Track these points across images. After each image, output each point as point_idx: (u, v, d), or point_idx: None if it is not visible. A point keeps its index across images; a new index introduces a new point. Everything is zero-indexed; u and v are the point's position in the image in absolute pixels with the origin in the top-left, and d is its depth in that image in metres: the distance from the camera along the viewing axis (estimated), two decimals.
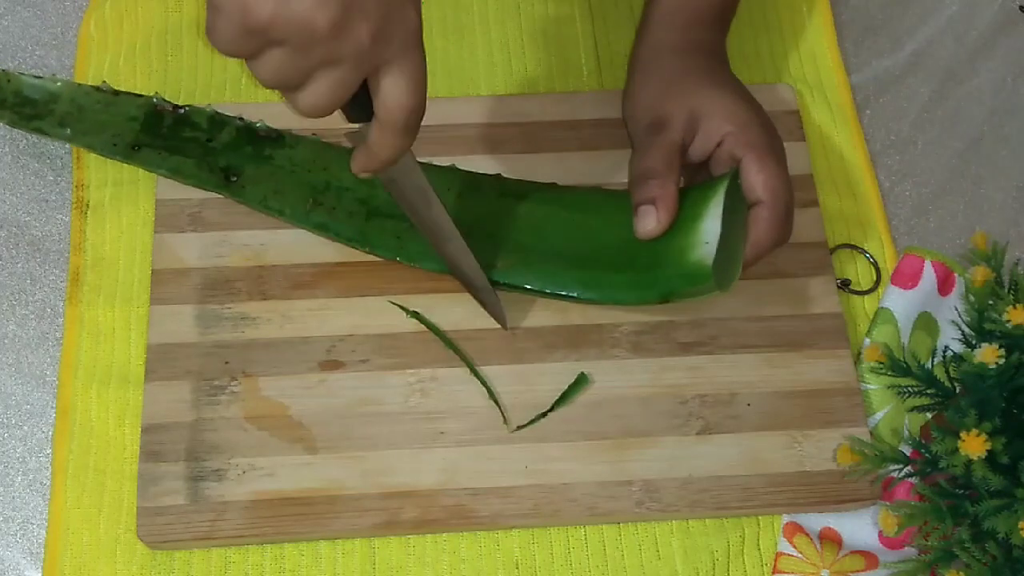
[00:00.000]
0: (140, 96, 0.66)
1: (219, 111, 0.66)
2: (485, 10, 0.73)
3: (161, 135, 0.65)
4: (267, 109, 0.67)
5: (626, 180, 0.61)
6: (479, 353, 0.61)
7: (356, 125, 0.50)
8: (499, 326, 0.62)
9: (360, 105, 0.48)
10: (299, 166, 0.64)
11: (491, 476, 0.58)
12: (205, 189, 0.64)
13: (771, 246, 0.58)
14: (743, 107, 0.59)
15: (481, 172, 0.65)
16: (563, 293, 0.60)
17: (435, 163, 0.64)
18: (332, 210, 0.63)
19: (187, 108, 0.65)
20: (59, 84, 0.65)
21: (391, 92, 0.47)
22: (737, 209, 0.57)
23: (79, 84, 0.66)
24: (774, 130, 0.59)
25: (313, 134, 0.65)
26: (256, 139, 0.65)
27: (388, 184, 0.56)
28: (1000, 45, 0.75)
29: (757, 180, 0.56)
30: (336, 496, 0.58)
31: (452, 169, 0.65)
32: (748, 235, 0.57)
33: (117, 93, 0.65)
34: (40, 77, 0.65)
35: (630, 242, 0.58)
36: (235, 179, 0.64)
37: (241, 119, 0.65)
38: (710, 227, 0.55)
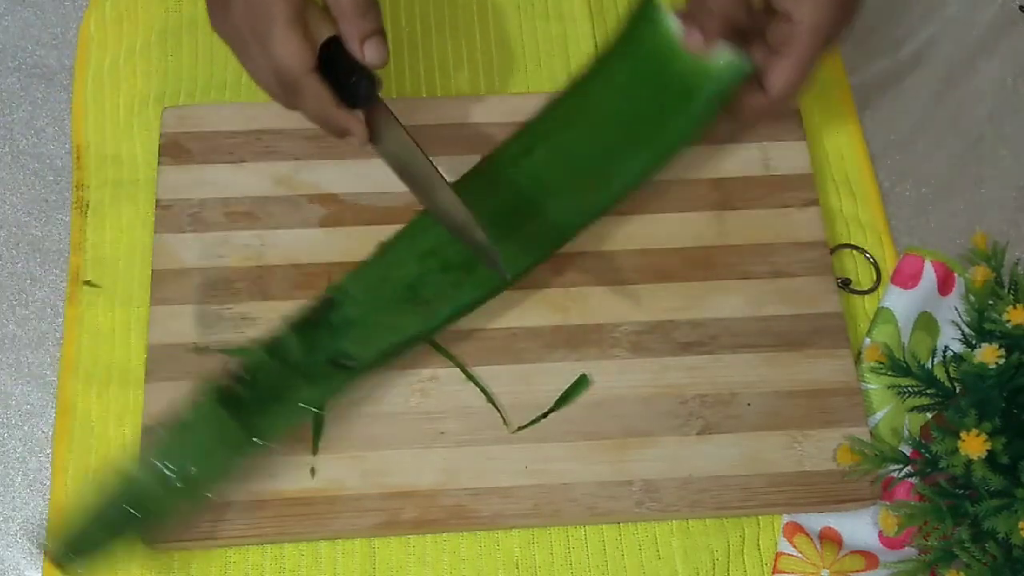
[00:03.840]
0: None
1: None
2: (485, 10, 0.73)
3: (241, 404, 0.56)
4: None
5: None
6: (479, 353, 0.61)
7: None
8: (503, 327, 0.62)
9: (348, 88, 0.54)
10: (366, 300, 0.59)
11: (491, 476, 0.58)
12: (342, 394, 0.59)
13: (830, 25, 0.57)
14: None
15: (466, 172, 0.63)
16: (643, 180, 0.61)
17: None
18: (431, 299, 0.59)
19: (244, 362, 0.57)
20: None
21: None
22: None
23: None
24: None
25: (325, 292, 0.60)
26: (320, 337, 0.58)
27: (380, 150, 0.57)
28: (1000, 45, 0.75)
29: None
30: (336, 496, 0.58)
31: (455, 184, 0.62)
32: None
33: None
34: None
35: (645, 101, 0.60)
36: (353, 363, 0.58)
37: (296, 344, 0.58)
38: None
